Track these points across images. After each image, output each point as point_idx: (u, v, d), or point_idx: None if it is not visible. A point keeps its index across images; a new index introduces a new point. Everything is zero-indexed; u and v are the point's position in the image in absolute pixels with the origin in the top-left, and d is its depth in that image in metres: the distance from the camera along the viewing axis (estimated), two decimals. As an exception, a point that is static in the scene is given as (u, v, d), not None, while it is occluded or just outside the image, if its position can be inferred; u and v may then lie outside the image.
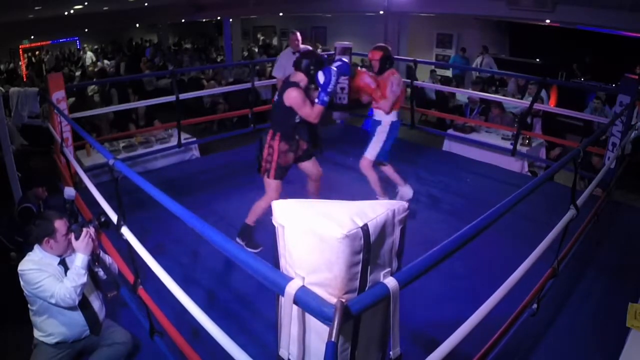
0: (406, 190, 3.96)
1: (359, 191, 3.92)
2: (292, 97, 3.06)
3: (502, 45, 10.45)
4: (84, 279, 2.17)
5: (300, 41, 5.15)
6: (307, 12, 12.46)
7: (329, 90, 2.98)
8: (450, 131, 5.95)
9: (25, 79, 11.43)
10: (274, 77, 5.52)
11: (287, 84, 3.15)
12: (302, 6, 11.30)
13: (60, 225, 2.21)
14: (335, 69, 3.00)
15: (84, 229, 2.23)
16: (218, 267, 3.13)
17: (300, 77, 3.13)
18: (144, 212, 3.27)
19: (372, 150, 3.84)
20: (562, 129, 6.54)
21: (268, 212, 1.31)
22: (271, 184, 3.23)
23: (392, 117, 3.82)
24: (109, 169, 2.15)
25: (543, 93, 6.55)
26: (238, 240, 3.39)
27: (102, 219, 2.35)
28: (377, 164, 3.89)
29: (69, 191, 2.87)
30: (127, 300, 2.62)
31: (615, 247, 3.52)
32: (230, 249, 1.33)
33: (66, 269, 2.22)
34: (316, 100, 3.04)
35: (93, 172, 4.22)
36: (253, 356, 1.42)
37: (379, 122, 3.83)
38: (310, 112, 3.06)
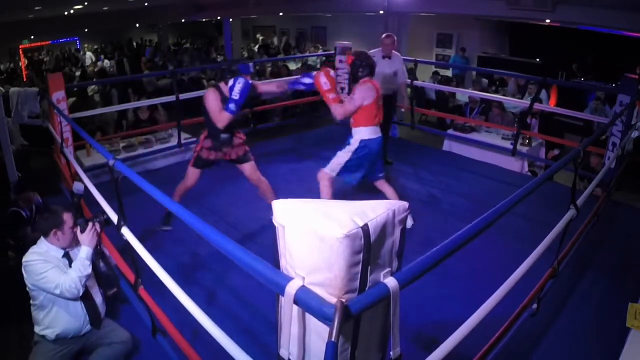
0: None
1: (360, 191, 3.93)
2: (206, 98, 3.25)
3: (502, 45, 10.45)
4: (89, 269, 2.23)
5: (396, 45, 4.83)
6: (307, 12, 12.44)
7: (234, 98, 3.10)
8: (450, 131, 5.96)
9: (25, 79, 11.43)
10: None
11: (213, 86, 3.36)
12: (302, 6, 11.28)
13: (67, 217, 2.30)
14: (242, 79, 3.10)
15: (89, 223, 2.31)
16: (218, 267, 3.13)
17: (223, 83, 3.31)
18: (144, 212, 3.27)
19: (333, 164, 3.46)
20: (561, 129, 6.54)
21: (268, 211, 1.31)
22: (188, 169, 3.49)
23: (363, 134, 3.36)
24: (109, 170, 2.15)
25: (543, 93, 6.56)
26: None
27: (106, 216, 2.38)
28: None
29: (78, 185, 2.90)
30: (129, 299, 2.62)
31: (615, 247, 3.52)
32: (230, 249, 1.32)
33: (70, 261, 2.29)
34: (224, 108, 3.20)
35: (93, 172, 4.22)
36: (253, 356, 1.42)
37: (351, 136, 3.46)
38: (217, 117, 3.22)
